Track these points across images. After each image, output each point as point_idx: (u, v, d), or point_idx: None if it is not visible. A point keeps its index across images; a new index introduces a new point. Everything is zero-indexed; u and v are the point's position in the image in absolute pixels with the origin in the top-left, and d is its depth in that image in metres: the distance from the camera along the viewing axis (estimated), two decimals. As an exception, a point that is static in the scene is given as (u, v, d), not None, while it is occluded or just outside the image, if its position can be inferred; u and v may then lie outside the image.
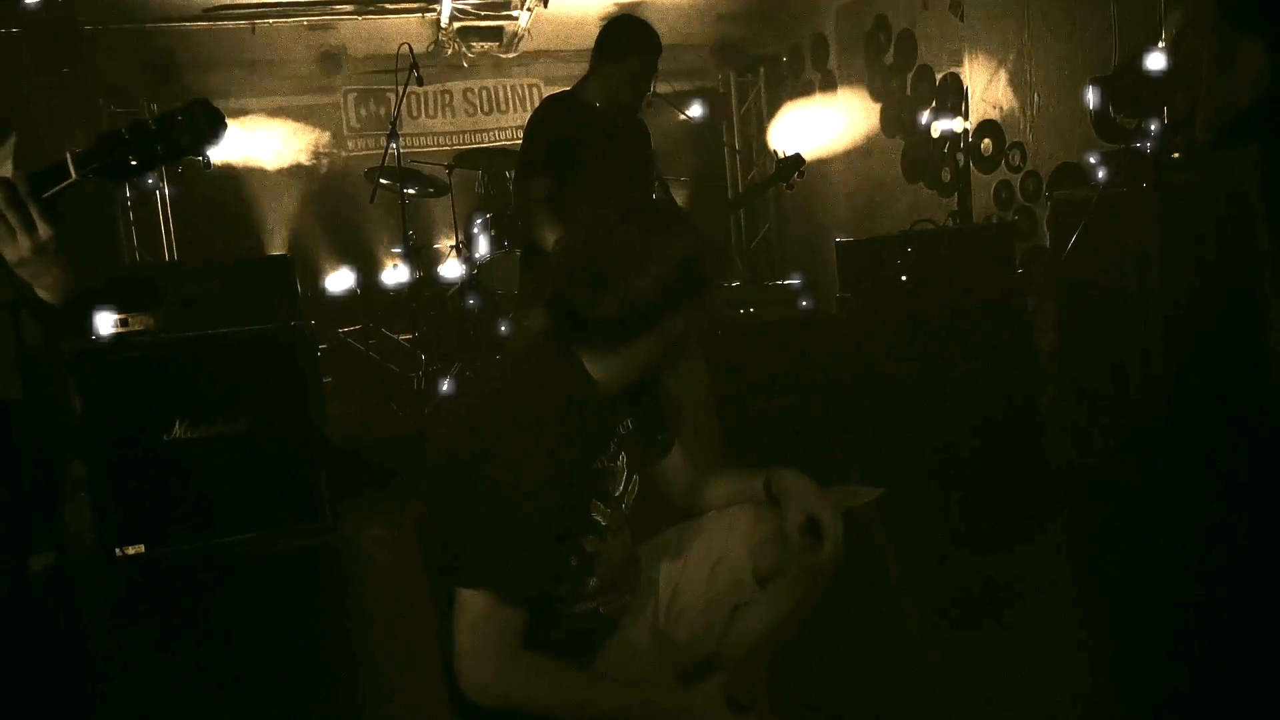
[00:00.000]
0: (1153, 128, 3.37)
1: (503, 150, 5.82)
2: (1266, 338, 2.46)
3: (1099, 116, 3.58)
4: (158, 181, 5.88)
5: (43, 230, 1.27)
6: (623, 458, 1.46)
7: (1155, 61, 2.94)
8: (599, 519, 1.40)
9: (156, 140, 1.30)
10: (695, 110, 6.49)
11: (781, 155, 3.42)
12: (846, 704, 1.95)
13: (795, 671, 1.74)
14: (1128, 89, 3.42)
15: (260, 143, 6.36)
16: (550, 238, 2.83)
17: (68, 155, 1.29)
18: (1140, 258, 3.18)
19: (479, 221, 5.17)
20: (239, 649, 2.54)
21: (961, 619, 2.35)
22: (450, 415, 1.56)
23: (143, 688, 2.43)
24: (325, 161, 6.64)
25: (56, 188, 1.29)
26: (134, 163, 1.30)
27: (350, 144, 6.69)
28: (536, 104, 6.82)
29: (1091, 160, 3.57)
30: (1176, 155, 3.23)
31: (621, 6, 6.13)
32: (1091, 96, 3.61)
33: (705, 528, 1.56)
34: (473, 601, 1.26)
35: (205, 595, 2.93)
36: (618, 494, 1.45)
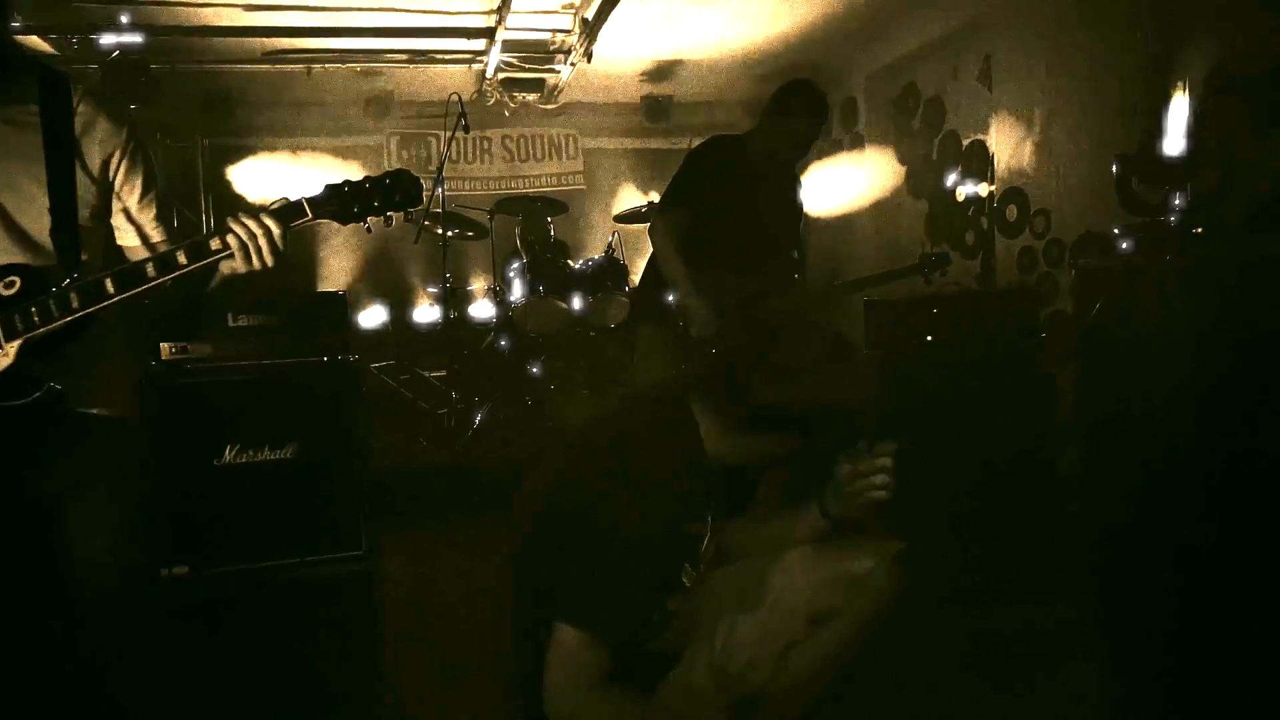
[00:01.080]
0: (1176, 202, 3.49)
1: (543, 198, 6.02)
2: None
3: (1122, 188, 3.71)
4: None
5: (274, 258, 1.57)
6: (709, 520, 1.56)
7: (1174, 144, 3.07)
8: (685, 580, 1.51)
9: (373, 196, 1.52)
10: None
11: (930, 250, 3.60)
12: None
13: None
14: (1152, 163, 3.55)
15: (306, 179, 6.57)
16: (667, 263, 3.02)
17: (303, 199, 1.56)
18: (1161, 329, 3.28)
19: (515, 266, 5.34)
20: (274, 670, 2.63)
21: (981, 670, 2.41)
22: (564, 456, 1.67)
23: (177, 704, 2.52)
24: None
25: (298, 223, 1.57)
26: (355, 210, 1.56)
27: (391, 186, 6.90)
28: (572, 154, 7.10)
29: (1116, 231, 3.69)
30: (1199, 230, 3.35)
31: (659, 64, 6.36)
32: (1116, 168, 3.74)
33: (764, 567, 1.66)
34: (569, 636, 1.37)
35: (244, 618, 3.03)
36: (700, 556, 1.55)
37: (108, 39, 4.83)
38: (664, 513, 1.40)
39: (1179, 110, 3.06)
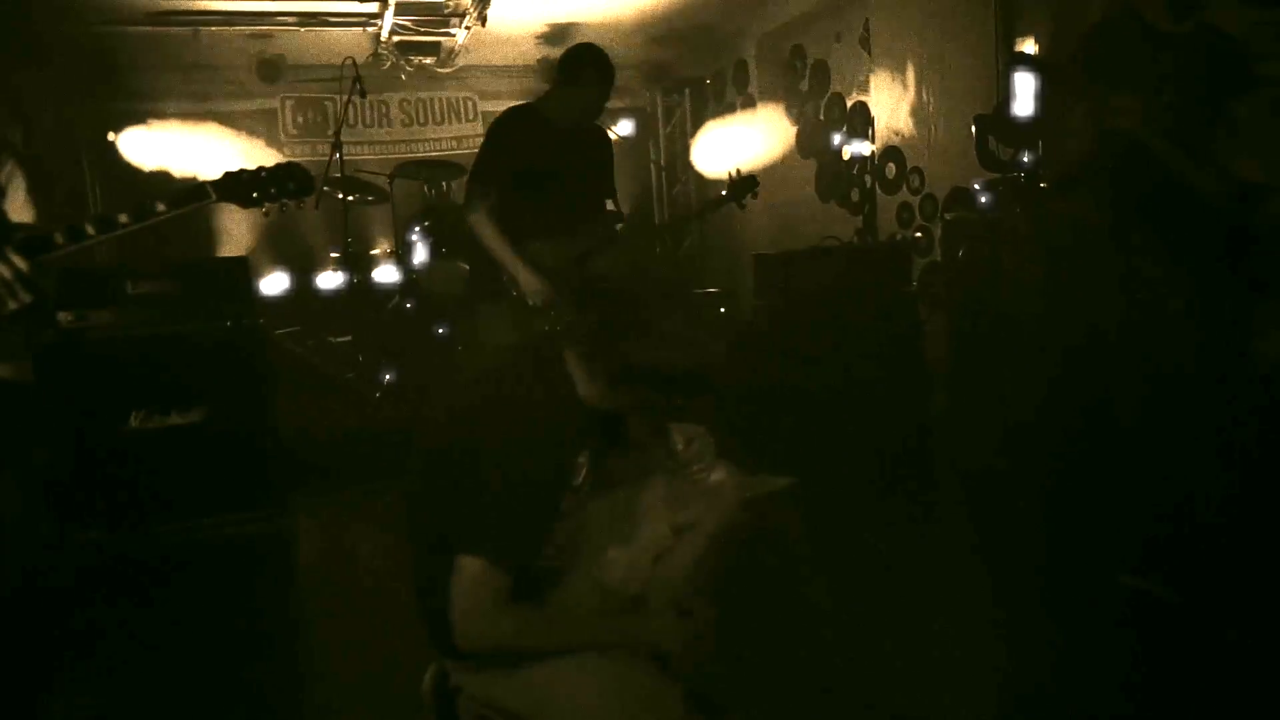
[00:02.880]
0: (1025, 159, 3.83)
1: (444, 162, 6.05)
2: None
3: (980, 147, 4.03)
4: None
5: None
6: (585, 455, 1.74)
7: (1024, 105, 3.38)
8: (564, 507, 1.69)
9: (270, 184, 1.71)
10: (625, 128, 6.83)
11: (734, 175, 3.69)
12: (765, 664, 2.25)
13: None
14: (1005, 123, 3.87)
15: (197, 146, 6.44)
16: (486, 238, 3.09)
17: (207, 183, 1.77)
18: (1015, 275, 3.62)
19: (417, 229, 5.40)
20: (190, 628, 2.71)
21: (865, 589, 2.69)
22: (447, 407, 1.83)
23: (97, 664, 2.60)
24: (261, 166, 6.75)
25: (195, 204, 1.80)
26: (254, 195, 1.81)
27: (287, 150, 6.81)
28: (471, 117, 7.13)
29: (975, 186, 4.02)
30: (1045, 185, 3.69)
31: (554, 27, 6.44)
32: (974, 128, 4.06)
33: (633, 492, 1.88)
34: (470, 565, 1.53)
35: (158, 578, 3.10)
36: (578, 485, 1.74)
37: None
38: (545, 449, 1.59)
39: (1024, 73, 3.35)
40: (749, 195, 3.63)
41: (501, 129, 3.25)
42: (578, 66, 3.20)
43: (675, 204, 8.05)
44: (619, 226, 3.61)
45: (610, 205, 3.53)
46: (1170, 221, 2.45)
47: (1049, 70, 2.63)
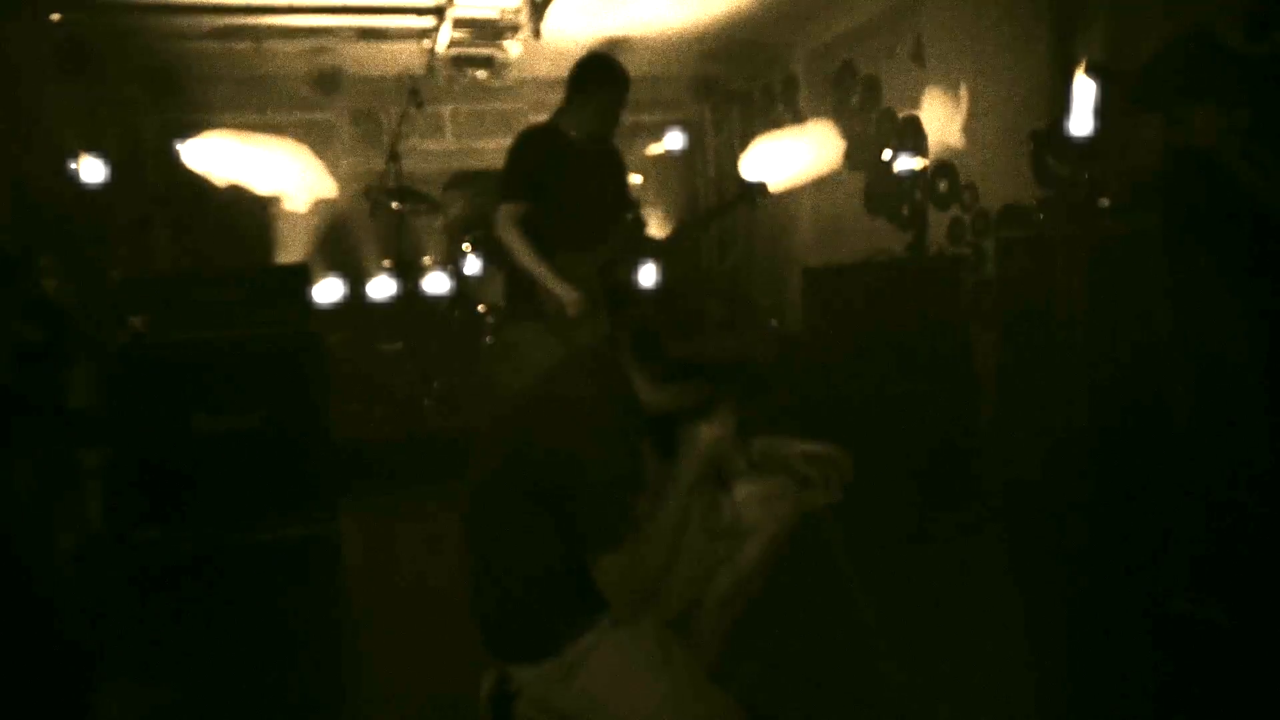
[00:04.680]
0: (1085, 176, 3.78)
1: (495, 174, 6.12)
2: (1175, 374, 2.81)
3: (1036, 163, 3.98)
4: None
5: None
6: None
7: (1080, 122, 3.34)
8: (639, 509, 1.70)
9: None
10: (675, 141, 6.86)
11: (745, 182, 3.69)
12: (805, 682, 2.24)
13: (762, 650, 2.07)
14: (1062, 139, 3.83)
15: (256, 157, 6.61)
16: (519, 256, 3.14)
17: None
18: (1069, 295, 3.57)
19: (467, 240, 5.48)
20: (239, 630, 2.77)
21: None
22: (512, 408, 1.87)
23: (149, 664, 2.67)
24: (318, 176, 6.90)
25: None
26: None
27: (343, 161, 6.96)
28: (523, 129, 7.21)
29: (1031, 203, 3.98)
30: (1105, 203, 3.63)
31: (607, 40, 6.49)
32: (1031, 146, 4.02)
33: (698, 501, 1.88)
34: (612, 562, 1.58)
35: (212, 579, 3.18)
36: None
37: (53, 17, 4.84)
38: (623, 451, 1.63)
39: (1082, 90, 3.32)
40: (758, 198, 3.60)
41: (521, 147, 3.32)
42: (586, 74, 3.24)
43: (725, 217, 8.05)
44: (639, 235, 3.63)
45: (631, 217, 3.57)
46: (1238, 242, 2.41)
47: (1121, 80, 2.60)
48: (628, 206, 3.52)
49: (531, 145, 3.29)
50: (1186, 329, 2.61)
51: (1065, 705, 2.16)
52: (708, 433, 1.67)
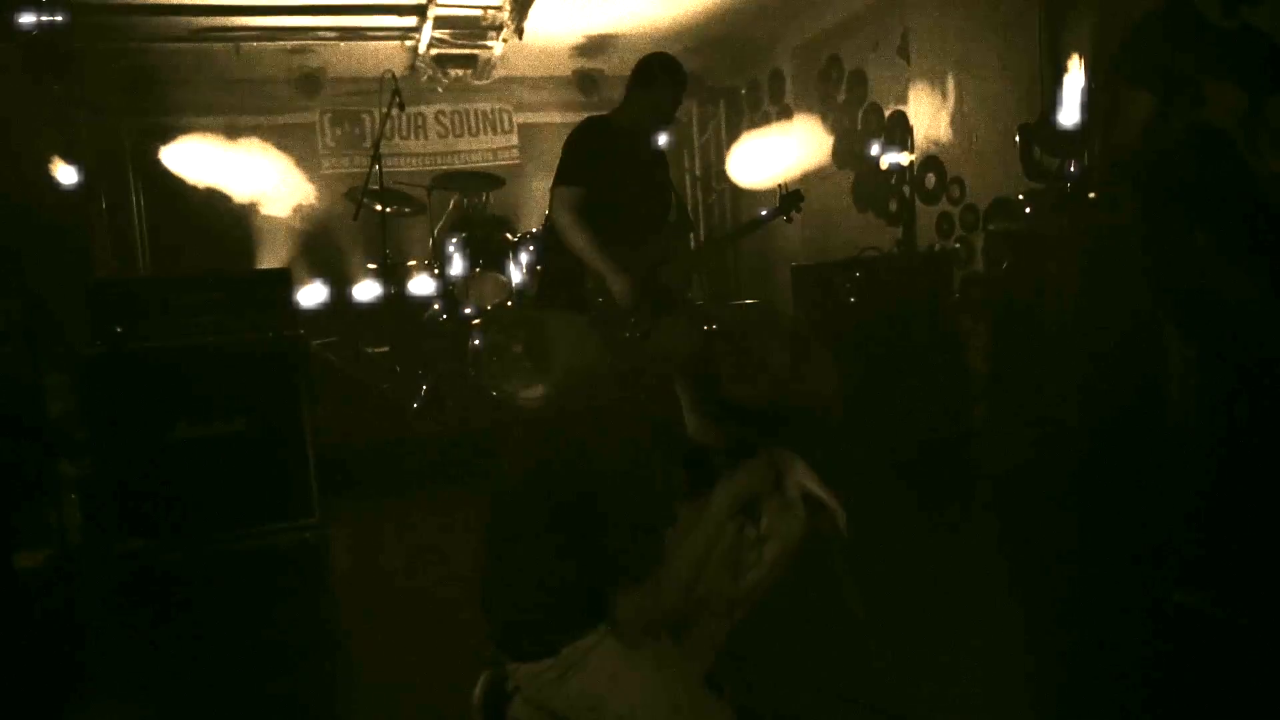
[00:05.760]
0: (1072, 169, 3.76)
1: (480, 174, 6.08)
2: (1165, 363, 2.80)
3: (1025, 156, 3.96)
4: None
5: None
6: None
7: (1069, 114, 3.32)
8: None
9: None
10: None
11: (783, 189, 3.72)
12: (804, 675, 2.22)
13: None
14: (1051, 132, 3.81)
15: (237, 159, 6.55)
16: (577, 240, 3.15)
17: None
18: (1059, 286, 3.55)
19: (454, 241, 5.43)
20: (225, 637, 2.72)
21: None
22: (555, 414, 1.86)
23: (132, 673, 2.61)
24: (300, 178, 6.84)
25: None
26: None
27: (325, 162, 6.90)
28: (507, 128, 7.17)
29: (1020, 197, 3.95)
30: (1094, 195, 3.62)
31: (591, 39, 6.46)
32: (1019, 137, 3.99)
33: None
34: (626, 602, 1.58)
35: (196, 587, 3.13)
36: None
37: (27, 18, 4.75)
38: (663, 489, 1.64)
39: (1072, 82, 3.29)
40: (795, 210, 3.63)
41: (580, 138, 3.32)
42: (650, 71, 3.28)
43: (710, 214, 8.03)
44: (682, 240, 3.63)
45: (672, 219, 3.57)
46: (1231, 213, 2.40)
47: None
48: (671, 210, 3.51)
49: (590, 134, 3.31)
50: (1182, 311, 2.58)
51: (1056, 696, 2.14)
52: (746, 481, 1.67)
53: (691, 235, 3.60)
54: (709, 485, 1.77)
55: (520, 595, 1.70)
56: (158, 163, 6.23)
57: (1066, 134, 3.54)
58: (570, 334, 3.28)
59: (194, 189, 6.20)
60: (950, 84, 5.06)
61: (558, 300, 3.32)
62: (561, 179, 3.25)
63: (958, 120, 5.05)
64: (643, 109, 3.29)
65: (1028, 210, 3.87)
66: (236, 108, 6.52)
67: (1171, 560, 2.57)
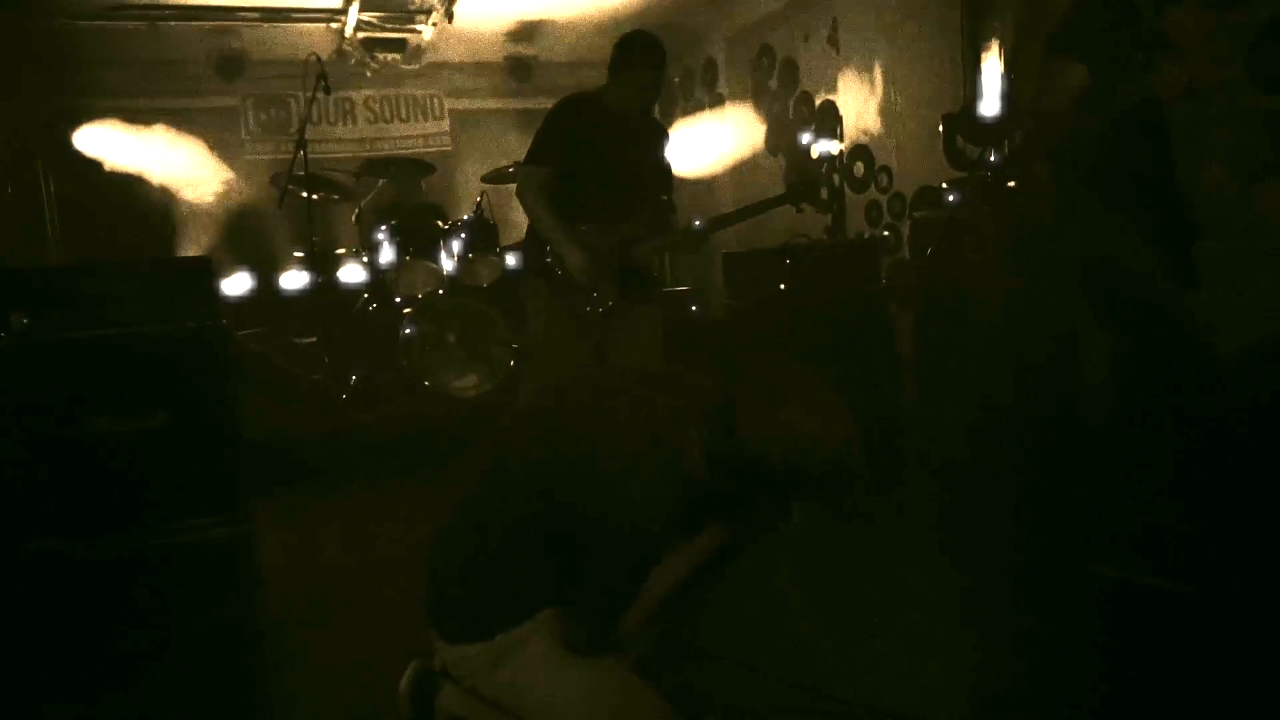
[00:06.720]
0: (993, 157, 3.86)
1: (410, 160, 5.97)
2: (1078, 347, 2.90)
3: (948, 147, 4.06)
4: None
5: None
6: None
7: (989, 105, 3.40)
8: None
9: None
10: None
11: (796, 176, 3.72)
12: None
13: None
14: (972, 121, 3.90)
15: (155, 144, 6.32)
16: (538, 217, 3.19)
17: None
18: (981, 272, 3.64)
19: (383, 229, 5.33)
20: (153, 637, 2.67)
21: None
22: (540, 420, 1.83)
23: (57, 677, 2.53)
24: (222, 165, 6.63)
25: None
26: None
27: (249, 148, 6.70)
28: (438, 114, 7.06)
29: (944, 185, 4.05)
30: (1013, 184, 3.72)
31: (523, 24, 6.40)
32: (942, 129, 4.09)
33: None
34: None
35: (120, 586, 3.02)
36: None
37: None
38: (657, 525, 1.62)
39: (992, 72, 3.37)
40: (811, 202, 3.64)
41: (559, 113, 3.30)
42: (628, 52, 3.25)
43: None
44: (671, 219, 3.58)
45: (667, 199, 3.53)
46: (1148, 198, 2.47)
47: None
48: (664, 188, 3.48)
49: (568, 113, 3.28)
50: (1101, 298, 2.66)
51: (998, 676, 2.20)
52: (738, 533, 1.67)
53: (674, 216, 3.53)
54: (698, 527, 1.72)
55: (468, 577, 1.69)
56: (70, 147, 5.97)
57: (987, 124, 3.63)
58: (534, 300, 3.32)
59: (110, 175, 5.96)
60: (878, 74, 5.14)
61: (528, 267, 3.39)
62: (530, 158, 3.28)
63: (885, 109, 5.14)
64: (625, 89, 3.26)
65: (950, 198, 3.96)
66: (153, 90, 6.28)
67: (1104, 537, 2.65)
